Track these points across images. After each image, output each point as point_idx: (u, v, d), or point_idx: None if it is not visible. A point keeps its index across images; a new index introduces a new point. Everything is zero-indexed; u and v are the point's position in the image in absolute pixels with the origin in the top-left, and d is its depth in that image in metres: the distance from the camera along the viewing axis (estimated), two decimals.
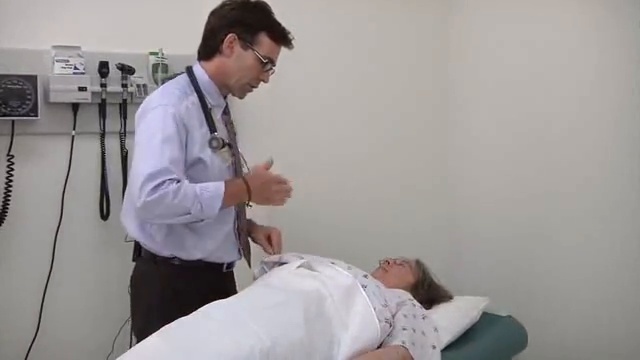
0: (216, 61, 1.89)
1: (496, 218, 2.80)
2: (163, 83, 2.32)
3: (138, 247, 1.94)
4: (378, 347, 1.74)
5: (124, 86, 2.26)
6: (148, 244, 1.88)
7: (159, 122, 1.75)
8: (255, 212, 2.25)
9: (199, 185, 1.76)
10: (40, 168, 2.20)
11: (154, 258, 1.88)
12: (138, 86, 2.29)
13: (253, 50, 1.86)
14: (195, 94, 1.86)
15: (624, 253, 2.41)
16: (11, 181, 2.11)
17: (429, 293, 2.13)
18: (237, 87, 1.92)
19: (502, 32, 2.74)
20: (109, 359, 2.15)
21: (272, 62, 1.90)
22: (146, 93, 2.30)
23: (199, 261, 1.88)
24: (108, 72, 2.23)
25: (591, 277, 2.50)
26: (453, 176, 2.96)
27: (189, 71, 1.92)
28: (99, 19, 2.25)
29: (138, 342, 1.88)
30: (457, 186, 2.95)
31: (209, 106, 1.88)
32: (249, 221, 2.08)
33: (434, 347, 1.80)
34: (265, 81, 1.93)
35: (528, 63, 2.64)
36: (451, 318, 2.10)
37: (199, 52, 1.93)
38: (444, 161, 2.96)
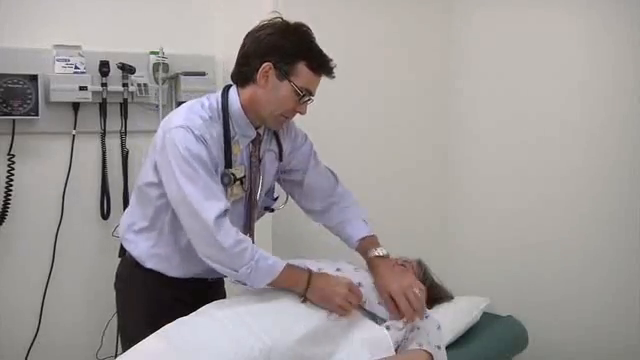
0: (250, 90, 1.74)
1: (497, 218, 2.80)
2: (164, 83, 2.34)
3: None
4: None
5: (125, 85, 2.27)
6: (131, 251, 1.83)
7: (190, 144, 1.64)
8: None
9: (261, 251, 1.67)
10: (41, 167, 2.20)
11: (137, 262, 1.82)
12: (139, 85, 2.30)
13: (289, 81, 1.70)
14: (221, 122, 1.74)
15: (624, 253, 2.40)
16: (12, 180, 2.11)
17: (430, 293, 2.12)
18: (271, 119, 1.77)
19: (503, 33, 2.73)
20: (110, 357, 2.16)
21: (310, 93, 1.75)
22: (147, 92, 2.31)
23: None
24: (109, 71, 2.23)
25: (592, 277, 2.50)
26: (454, 176, 2.95)
27: (224, 93, 1.78)
28: (100, 18, 2.25)
29: (122, 342, 1.88)
30: (457, 186, 2.95)
31: (233, 136, 1.75)
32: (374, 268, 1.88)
33: (439, 348, 1.80)
34: (302, 113, 1.77)
35: (529, 64, 2.64)
36: (452, 318, 2.10)
37: (233, 76, 1.79)
38: (445, 161, 2.95)
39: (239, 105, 1.76)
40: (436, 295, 2.16)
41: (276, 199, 2.00)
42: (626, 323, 2.41)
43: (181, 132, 1.65)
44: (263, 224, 2.39)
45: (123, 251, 1.89)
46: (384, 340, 1.70)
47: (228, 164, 1.74)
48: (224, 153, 1.73)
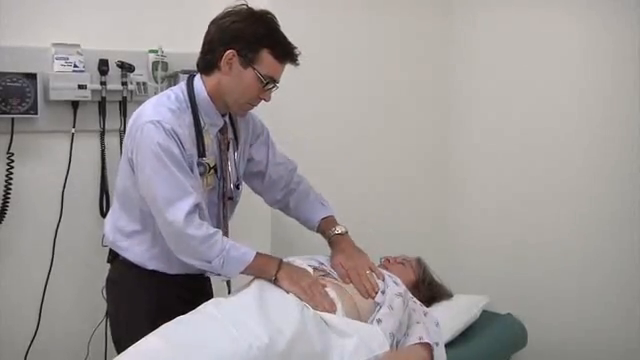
0: (215, 77, 1.76)
1: (497, 216, 2.81)
2: (163, 81, 2.34)
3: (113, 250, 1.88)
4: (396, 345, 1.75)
5: (124, 84, 2.26)
6: (127, 257, 1.82)
7: (161, 139, 1.65)
8: (256, 213, 2.26)
9: (231, 242, 1.73)
10: (40, 166, 2.20)
11: (135, 265, 1.81)
12: (138, 84, 2.29)
13: (253, 69, 1.72)
14: (190, 111, 1.75)
15: (624, 253, 2.41)
16: (11, 179, 2.11)
17: (429, 291, 2.13)
18: (236, 106, 1.80)
19: (504, 33, 2.73)
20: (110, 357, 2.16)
21: (274, 81, 1.76)
22: (146, 91, 2.30)
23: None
24: (108, 70, 2.23)
25: (591, 276, 2.50)
26: (454, 175, 2.96)
27: (189, 83, 1.80)
28: (99, 17, 2.24)
29: (118, 343, 1.86)
30: (457, 185, 2.95)
31: (203, 125, 1.77)
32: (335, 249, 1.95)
33: (437, 344, 1.80)
34: (266, 100, 1.79)
35: (530, 64, 2.64)
36: (451, 316, 2.11)
37: (198, 65, 1.81)
38: (445, 160, 2.96)
39: (205, 94, 1.77)
40: (435, 293, 2.17)
41: (238, 186, 1.98)
42: (626, 322, 2.41)
43: (151, 127, 1.66)
44: (263, 224, 2.40)
45: (114, 256, 1.87)
46: (377, 335, 1.70)
47: (202, 154, 1.76)
48: (196, 143, 1.75)
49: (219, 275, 1.75)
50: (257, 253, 1.75)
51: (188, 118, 1.75)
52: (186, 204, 1.66)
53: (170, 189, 1.66)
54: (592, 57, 2.47)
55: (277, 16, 1.81)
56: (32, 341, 2.19)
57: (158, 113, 1.69)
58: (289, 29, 1.80)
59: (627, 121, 2.38)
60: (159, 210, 1.68)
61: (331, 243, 1.98)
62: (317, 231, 2.03)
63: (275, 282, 1.76)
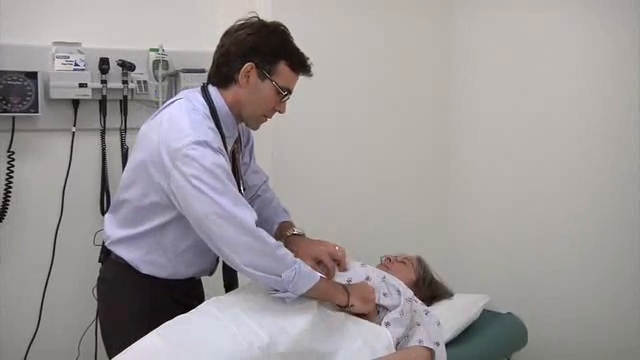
0: (232, 91, 1.73)
1: (497, 216, 2.80)
2: (163, 80, 2.34)
3: (106, 248, 1.83)
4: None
5: (124, 82, 2.26)
6: (123, 256, 1.78)
7: (214, 159, 1.60)
8: None
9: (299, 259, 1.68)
10: (41, 165, 2.20)
11: (129, 265, 1.78)
12: (139, 82, 2.30)
13: (271, 81, 1.71)
14: (215, 126, 1.70)
15: (624, 251, 2.41)
16: (12, 177, 2.11)
17: (430, 290, 2.13)
18: (252, 119, 1.78)
19: (503, 34, 2.73)
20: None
21: (290, 92, 1.75)
22: (146, 90, 2.31)
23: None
24: (108, 68, 2.23)
25: (591, 275, 2.50)
26: (454, 174, 2.96)
27: (206, 97, 1.74)
28: (100, 15, 2.25)
29: (110, 344, 1.82)
30: (458, 184, 2.95)
31: (226, 139, 1.74)
32: (291, 239, 1.91)
33: (438, 344, 1.80)
34: (281, 111, 1.78)
35: (529, 64, 2.64)
36: (451, 315, 2.10)
37: (210, 77, 1.77)
38: (445, 160, 2.96)
39: (227, 108, 1.74)
40: (436, 292, 2.17)
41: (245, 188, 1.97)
42: (626, 321, 2.41)
43: (200, 149, 1.59)
44: None
45: (106, 255, 1.83)
46: (384, 337, 1.70)
47: None
48: None
49: (285, 292, 1.64)
50: (321, 276, 1.71)
51: (217, 134, 1.71)
52: (250, 214, 1.62)
53: (235, 199, 1.61)
54: (591, 57, 2.47)
55: (278, 17, 1.80)
56: (32, 340, 2.19)
57: (202, 132, 1.63)
58: (290, 30, 1.78)
59: (626, 121, 2.38)
60: (230, 223, 1.60)
61: (288, 243, 1.90)
62: (274, 234, 1.95)
63: (346, 308, 1.74)
